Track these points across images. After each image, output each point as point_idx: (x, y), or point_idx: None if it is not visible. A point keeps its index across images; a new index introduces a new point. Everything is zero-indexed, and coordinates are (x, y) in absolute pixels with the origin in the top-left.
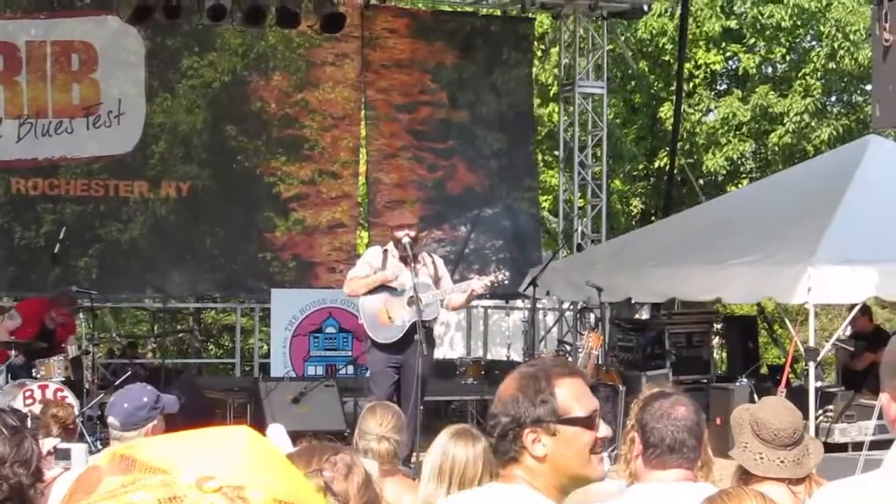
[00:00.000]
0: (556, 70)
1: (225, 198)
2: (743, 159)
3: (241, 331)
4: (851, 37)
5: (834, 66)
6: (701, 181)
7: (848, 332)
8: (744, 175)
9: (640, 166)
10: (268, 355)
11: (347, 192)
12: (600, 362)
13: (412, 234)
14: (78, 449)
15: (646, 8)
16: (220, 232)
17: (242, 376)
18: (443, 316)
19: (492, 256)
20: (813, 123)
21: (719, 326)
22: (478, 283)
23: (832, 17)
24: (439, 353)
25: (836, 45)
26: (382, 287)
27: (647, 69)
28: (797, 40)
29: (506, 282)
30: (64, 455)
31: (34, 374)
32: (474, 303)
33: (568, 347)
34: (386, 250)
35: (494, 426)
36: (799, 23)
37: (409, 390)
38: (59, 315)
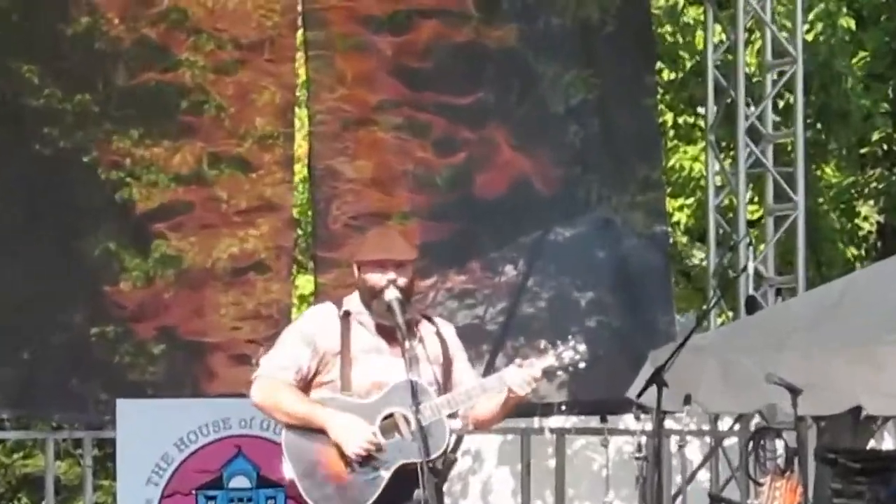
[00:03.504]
0: None
1: (17, 218)
2: None
3: (57, 486)
4: None
5: None
6: None
7: None
8: None
9: (877, 134)
10: None
11: (271, 199)
12: None
13: (402, 281)
14: None
15: None
16: (6, 290)
17: None
18: (468, 442)
19: (570, 325)
20: None
21: None
22: (531, 371)
23: None
24: None
25: None
26: (332, 392)
27: None
28: None
29: (581, 363)
30: None
31: None
32: (536, 422)
33: None
34: (348, 314)
35: None
36: None
37: None
38: None
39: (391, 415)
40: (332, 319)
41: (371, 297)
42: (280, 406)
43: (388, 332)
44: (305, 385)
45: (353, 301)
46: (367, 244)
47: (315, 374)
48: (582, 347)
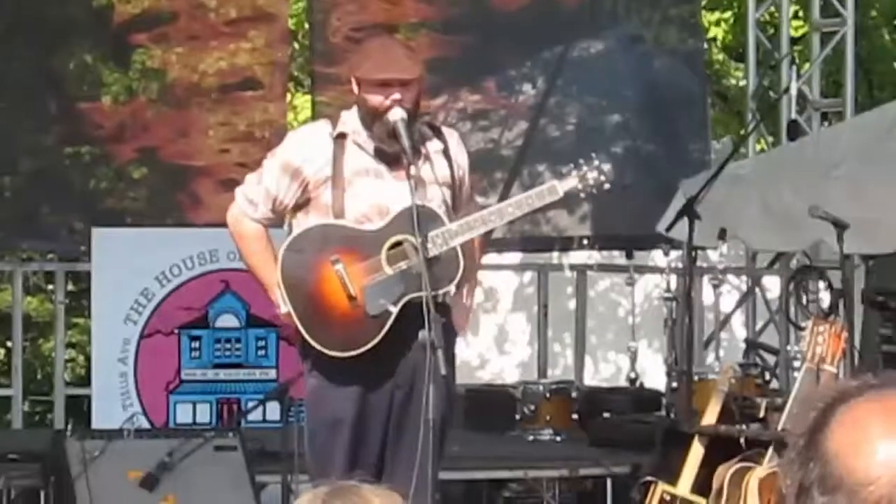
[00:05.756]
0: None
1: None
2: None
3: (26, 324)
4: None
5: None
6: None
7: None
8: None
9: None
10: (87, 380)
11: (264, 8)
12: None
13: (408, 101)
14: None
15: None
16: None
17: (29, 428)
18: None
19: (594, 151)
20: None
21: None
22: (557, 187)
23: None
24: (471, 359)
25: None
26: (326, 218)
27: None
28: None
29: (606, 184)
30: None
31: None
32: (555, 257)
33: (770, 357)
34: (342, 136)
35: None
36: None
37: (408, 453)
38: None
39: (399, 243)
40: (322, 141)
41: (372, 118)
42: (239, 244)
43: (388, 157)
44: (291, 211)
45: (351, 118)
46: (369, 59)
47: (306, 202)
48: (607, 167)
